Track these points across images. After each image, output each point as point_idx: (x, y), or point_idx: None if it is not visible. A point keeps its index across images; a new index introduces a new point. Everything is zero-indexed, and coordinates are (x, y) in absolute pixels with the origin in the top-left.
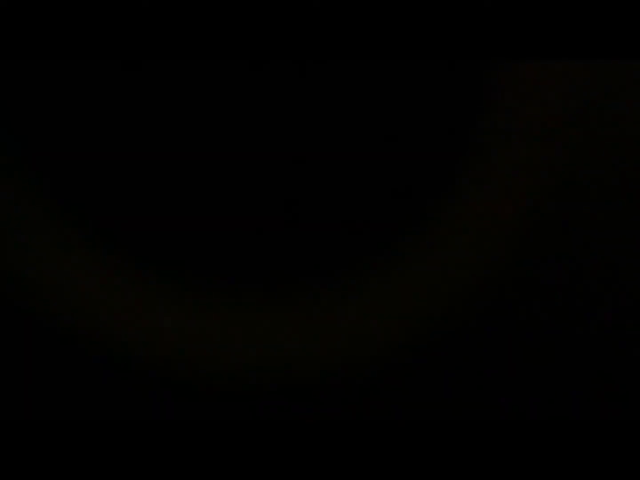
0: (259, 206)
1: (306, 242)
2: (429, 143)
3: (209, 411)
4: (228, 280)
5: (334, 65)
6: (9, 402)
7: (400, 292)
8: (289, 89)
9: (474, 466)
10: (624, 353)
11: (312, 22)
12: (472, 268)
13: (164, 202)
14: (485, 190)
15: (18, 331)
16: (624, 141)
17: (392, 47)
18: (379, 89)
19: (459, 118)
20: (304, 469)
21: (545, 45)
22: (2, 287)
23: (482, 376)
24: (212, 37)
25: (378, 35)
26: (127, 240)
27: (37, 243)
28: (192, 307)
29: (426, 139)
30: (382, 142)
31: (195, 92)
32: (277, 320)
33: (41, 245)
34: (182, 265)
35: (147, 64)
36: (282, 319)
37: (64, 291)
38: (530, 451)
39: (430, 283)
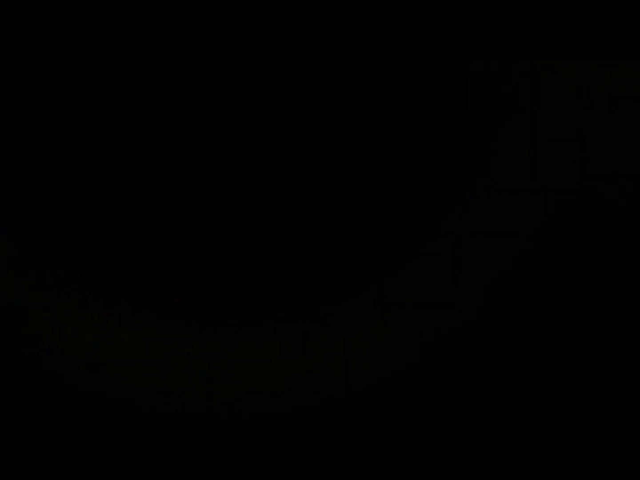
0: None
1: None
2: (431, 145)
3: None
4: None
5: (333, 66)
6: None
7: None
8: (289, 89)
9: (474, 466)
10: (623, 353)
11: (312, 22)
12: (478, 271)
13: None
14: (492, 192)
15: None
16: (625, 141)
17: (392, 47)
18: (381, 90)
19: (462, 120)
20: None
21: (546, 45)
22: None
23: (484, 377)
24: (212, 37)
25: (378, 35)
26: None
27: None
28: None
29: (428, 140)
30: (383, 145)
31: (195, 92)
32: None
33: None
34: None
35: (146, 64)
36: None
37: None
38: (530, 451)
39: (434, 288)
